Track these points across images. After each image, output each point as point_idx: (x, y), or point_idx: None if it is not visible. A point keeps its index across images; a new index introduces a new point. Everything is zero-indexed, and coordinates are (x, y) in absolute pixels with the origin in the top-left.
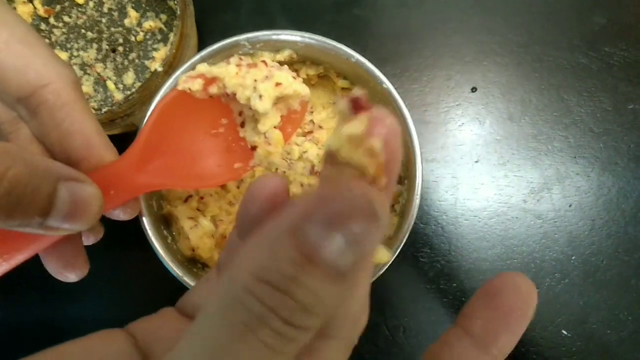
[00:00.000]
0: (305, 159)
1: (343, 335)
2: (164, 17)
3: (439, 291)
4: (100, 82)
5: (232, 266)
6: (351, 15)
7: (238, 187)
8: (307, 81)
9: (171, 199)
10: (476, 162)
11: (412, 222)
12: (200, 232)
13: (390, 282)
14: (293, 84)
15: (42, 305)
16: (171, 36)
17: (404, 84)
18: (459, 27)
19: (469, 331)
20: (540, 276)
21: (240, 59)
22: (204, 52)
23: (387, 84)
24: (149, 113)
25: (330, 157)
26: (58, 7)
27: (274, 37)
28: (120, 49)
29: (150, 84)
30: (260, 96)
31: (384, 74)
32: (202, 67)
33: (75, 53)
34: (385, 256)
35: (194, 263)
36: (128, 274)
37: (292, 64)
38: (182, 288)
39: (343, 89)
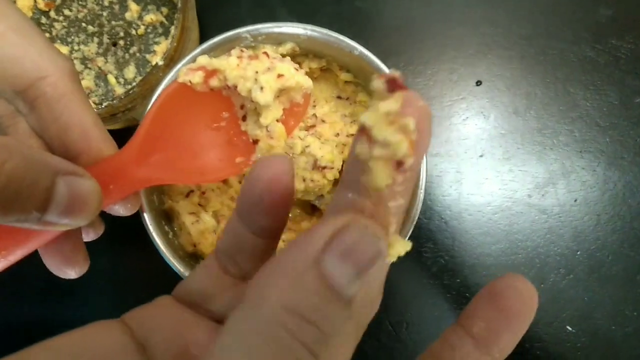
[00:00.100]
0: (308, 153)
1: (355, 316)
2: (165, 10)
3: (443, 286)
4: (101, 76)
5: (258, 296)
6: (353, 7)
7: (240, 182)
8: (309, 74)
9: (172, 194)
10: (480, 156)
11: (416, 217)
12: (201, 228)
13: (393, 278)
14: (295, 75)
15: (42, 303)
16: (172, 30)
17: (408, 78)
18: (462, 19)
19: (469, 331)
20: (545, 271)
21: (242, 50)
22: (205, 45)
23: None
24: (149, 106)
25: (364, 133)
26: (58, 1)
27: (276, 29)
28: (121, 42)
29: (152, 78)
30: (262, 88)
31: (387, 67)
32: (203, 59)
33: (76, 47)
34: (404, 247)
35: (195, 259)
36: (129, 270)
37: (295, 57)
38: None
39: (346, 82)
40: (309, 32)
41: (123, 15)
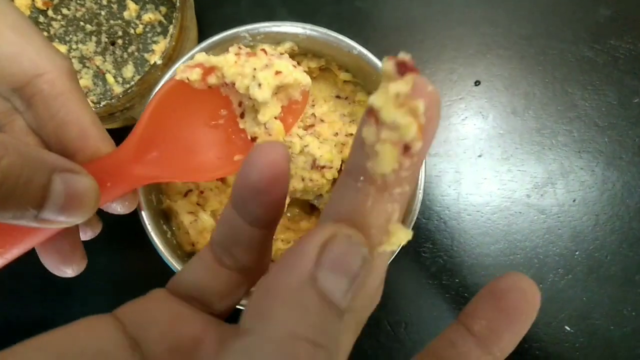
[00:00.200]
0: (307, 152)
1: (356, 308)
2: (163, 9)
3: (441, 287)
4: (99, 75)
5: (260, 327)
6: (352, 6)
7: None
8: (308, 74)
9: (171, 193)
10: (479, 156)
11: (415, 217)
12: (200, 227)
13: (392, 278)
14: (293, 72)
15: (40, 302)
16: (171, 29)
17: None
18: (461, 19)
19: (470, 329)
20: (544, 271)
21: (240, 47)
22: (203, 44)
23: None
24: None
25: (372, 115)
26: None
27: (275, 28)
28: (120, 41)
29: (150, 77)
30: (260, 85)
31: None
32: (201, 57)
33: (74, 46)
34: (406, 236)
35: None
36: (127, 269)
37: (294, 57)
38: None
39: (345, 82)
40: (308, 32)
41: (121, 14)
